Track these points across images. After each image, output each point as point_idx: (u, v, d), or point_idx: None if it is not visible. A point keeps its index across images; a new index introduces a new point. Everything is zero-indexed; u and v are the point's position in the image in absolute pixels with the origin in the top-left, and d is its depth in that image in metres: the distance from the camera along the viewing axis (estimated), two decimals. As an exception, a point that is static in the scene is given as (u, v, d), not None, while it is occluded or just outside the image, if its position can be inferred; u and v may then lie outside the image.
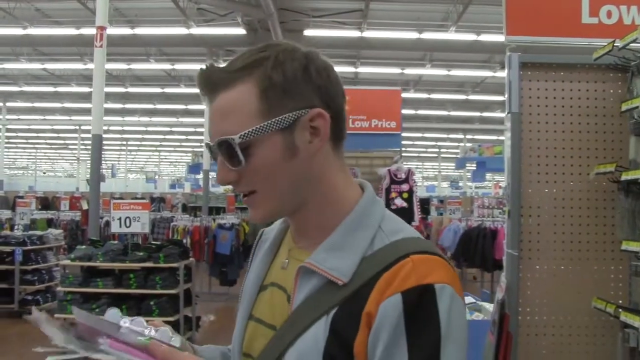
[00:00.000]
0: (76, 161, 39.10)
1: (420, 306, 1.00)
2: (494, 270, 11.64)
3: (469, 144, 23.54)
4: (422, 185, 43.39)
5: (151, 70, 22.47)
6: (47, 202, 21.79)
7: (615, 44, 2.91)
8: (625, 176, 2.86)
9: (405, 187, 8.35)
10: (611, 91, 3.24)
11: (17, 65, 21.41)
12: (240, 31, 16.03)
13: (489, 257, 11.39)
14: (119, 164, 44.60)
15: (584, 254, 3.18)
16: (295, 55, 1.11)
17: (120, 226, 8.21)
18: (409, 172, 8.47)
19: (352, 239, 1.11)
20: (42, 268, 10.73)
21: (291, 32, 16.26)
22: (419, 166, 50.47)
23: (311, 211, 1.15)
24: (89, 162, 9.72)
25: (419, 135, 35.75)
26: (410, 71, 21.30)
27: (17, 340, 7.97)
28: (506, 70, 3.27)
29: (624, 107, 2.94)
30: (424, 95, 25.28)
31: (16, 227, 13.02)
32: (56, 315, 7.76)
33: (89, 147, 9.70)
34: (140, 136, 40.71)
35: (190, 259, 8.57)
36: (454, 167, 31.57)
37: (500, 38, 3.47)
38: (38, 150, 49.88)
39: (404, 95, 16.40)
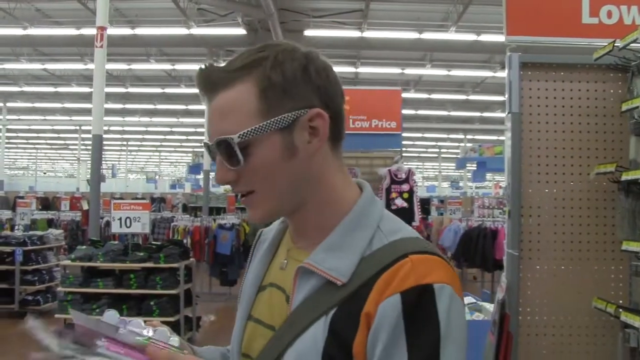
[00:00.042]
0: (76, 161, 39.09)
1: (419, 306, 1.00)
2: (495, 270, 11.64)
3: (469, 144, 23.54)
4: (423, 186, 43.39)
5: (151, 70, 22.48)
6: (47, 203, 21.80)
7: (615, 44, 2.91)
8: (625, 176, 2.86)
9: (405, 187, 8.35)
10: (611, 91, 3.24)
11: (17, 65, 21.42)
12: (241, 31, 16.04)
13: (489, 257, 11.39)
14: (119, 164, 44.58)
15: (584, 254, 3.18)
16: (295, 55, 1.11)
17: (121, 226, 8.22)
18: (409, 172, 8.47)
19: (350, 239, 1.11)
20: (43, 268, 10.72)
21: (291, 32, 16.27)
22: (419, 166, 50.47)
23: (310, 211, 1.15)
24: (90, 162, 9.72)
25: (419, 135, 35.76)
26: (411, 71, 21.31)
27: (17, 341, 7.96)
28: (506, 71, 3.27)
29: (624, 107, 2.94)
30: (424, 96, 25.28)
31: (16, 227, 13.03)
32: (56, 316, 7.78)
33: (90, 147, 9.71)
34: (140, 136, 40.72)
35: (191, 259, 8.57)
36: (454, 167, 31.56)
37: (500, 38, 3.47)
38: (38, 151, 49.89)
39: (404, 95, 16.39)
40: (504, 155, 3.44)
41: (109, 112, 20.02)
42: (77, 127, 33.15)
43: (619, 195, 3.05)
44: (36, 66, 21.78)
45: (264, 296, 1.22)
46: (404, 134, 10.19)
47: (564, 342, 3.16)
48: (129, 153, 47.33)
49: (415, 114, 28.18)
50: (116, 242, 9.26)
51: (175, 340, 1.19)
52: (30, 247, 10.42)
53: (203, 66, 1.13)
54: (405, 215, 8.18)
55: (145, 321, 1.21)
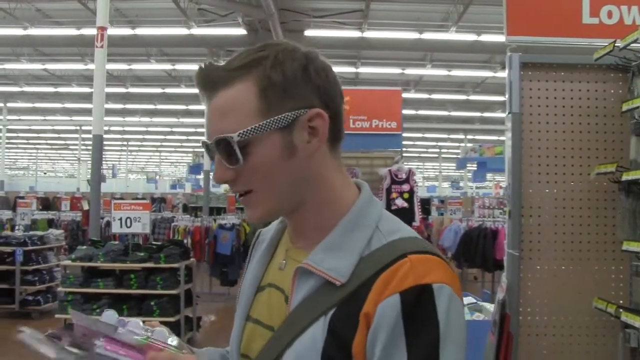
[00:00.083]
0: (77, 161, 39.11)
1: (418, 306, 1.00)
2: (495, 271, 11.64)
3: (469, 144, 23.55)
4: (423, 186, 43.39)
5: (152, 70, 22.49)
6: (47, 203, 21.81)
7: (616, 44, 2.90)
8: (626, 176, 2.86)
9: (406, 187, 8.35)
10: (612, 91, 3.24)
11: (17, 65, 21.42)
12: (241, 31, 16.04)
13: (489, 257, 11.38)
14: (119, 164, 44.58)
15: (584, 254, 3.18)
16: (295, 55, 1.11)
17: (121, 226, 8.22)
18: (410, 173, 8.47)
19: (349, 239, 1.11)
20: (43, 268, 10.72)
21: (292, 32, 16.27)
22: (419, 166, 50.48)
23: (309, 211, 1.15)
24: (90, 162, 9.73)
25: (420, 135, 35.76)
26: (411, 71, 21.31)
27: (17, 341, 7.96)
28: (507, 71, 3.27)
29: (625, 107, 2.94)
30: (425, 96, 25.29)
31: (17, 227, 13.04)
32: (57, 316, 7.79)
33: (90, 147, 9.72)
34: (141, 136, 40.73)
35: (191, 259, 8.57)
36: (454, 168, 31.56)
37: (500, 38, 3.47)
38: (39, 151, 49.90)
39: (405, 95, 16.40)
40: (505, 156, 3.44)
41: (109, 112, 20.03)
42: (78, 127, 33.17)
43: (619, 195, 3.05)
44: (36, 66, 21.79)
45: (263, 297, 1.22)
46: (405, 134, 10.19)
47: (565, 342, 3.16)
48: (129, 153, 47.34)
49: (416, 114, 28.19)
50: (116, 242, 9.26)
51: (174, 340, 1.19)
52: (30, 247, 10.42)
53: (202, 65, 1.13)
54: (406, 215, 8.18)
55: (144, 321, 1.21)
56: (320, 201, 1.15)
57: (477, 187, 39.80)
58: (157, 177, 44.61)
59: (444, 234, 13.42)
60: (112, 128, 32.84)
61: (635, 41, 2.82)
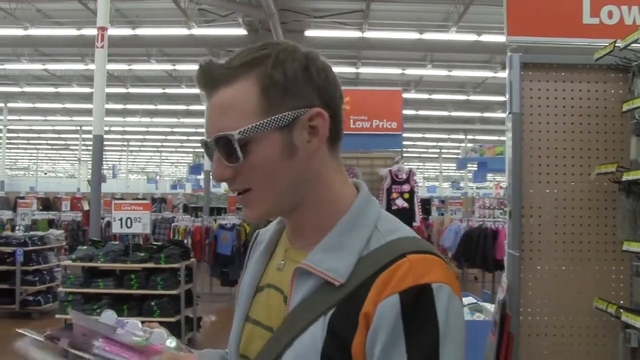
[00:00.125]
0: (77, 162, 39.14)
1: (417, 306, 1.00)
2: (495, 271, 11.64)
3: (470, 145, 23.55)
4: (423, 186, 43.35)
5: (152, 70, 22.48)
6: (48, 203, 21.82)
7: (616, 45, 2.90)
8: (626, 176, 2.86)
9: (406, 187, 8.36)
10: (612, 91, 3.24)
11: (18, 65, 21.42)
12: (241, 32, 16.04)
13: (490, 257, 11.39)
14: (120, 164, 44.55)
15: (585, 255, 3.18)
16: (296, 55, 1.11)
17: (122, 227, 8.22)
18: (410, 173, 8.48)
19: (348, 239, 1.11)
20: (43, 269, 10.73)
21: (292, 32, 16.27)
22: (420, 167, 50.46)
23: (308, 211, 1.15)
24: (90, 162, 9.73)
25: (420, 135, 35.74)
26: (411, 71, 21.30)
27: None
28: (507, 71, 3.27)
29: (625, 107, 2.93)
30: (425, 96, 25.28)
31: (17, 227, 13.05)
32: (57, 316, 7.79)
33: (90, 147, 9.71)
34: (141, 137, 40.73)
35: (192, 259, 8.57)
36: (455, 168, 31.55)
37: (501, 38, 3.47)
38: (39, 151, 49.90)
39: (405, 95, 16.40)
40: (505, 156, 3.44)
41: (109, 112, 20.02)
42: (78, 128, 33.19)
43: (619, 195, 3.05)
44: (37, 66, 21.79)
45: (262, 297, 1.22)
46: (405, 135, 10.19)
47: (565, 342, 3.16)
48: (129, 153, 47.33)
49: (416, 114, 28.18)
50: (117, 242, 9.26)
51: (172, 342, 1.19)
52: (31, 248, 10.42)
53: (203, 63, 1.13)
54: (406, 215, 8.18)
55: (143, 322, 1.21)
56: (319, 201, 1.15)
57: (477, 188, 39.78)
58: (158, 178, 44.62)
59: (444, 234, 13.43)
60: (113, 128, 32.84)
61: (635, 41, 2.82)
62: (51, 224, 15.33)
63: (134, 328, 1.17)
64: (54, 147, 47.14)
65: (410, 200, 8.35)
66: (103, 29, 9.47)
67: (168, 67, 21.83)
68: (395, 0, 15.16)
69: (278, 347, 1.09)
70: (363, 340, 1.01)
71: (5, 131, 31.88)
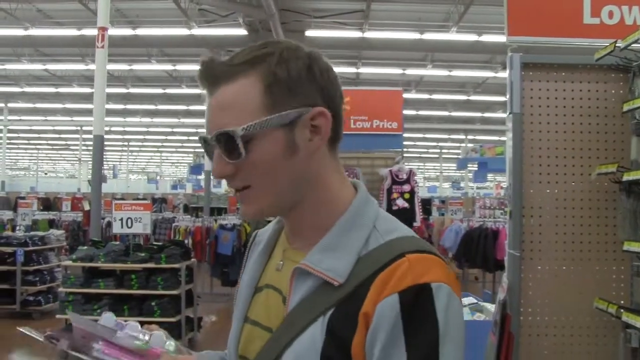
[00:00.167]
0: (78, 162, 39.14)
1: (417, 306, 1.00)
2: (496, 271, 11.64)
3: (470, 145, 23.55)
4: (424, 186, 43.30)
5: (152, 71, 22.49)
6: (48, 203, 21.83)
7: (616, 45, 2.90)
8: (626, 177, 2.85)
9: (406, 187, 8.36)
10: (613, 92, 3.24)
11: (18, 66, 21.43)
12: (242, 32, 16.04)
13: (490, 257, 11.39)
14: (120, 164, 44.55)
15: (585, 255, 3.18)
16: (299, 53, 1.12)
17: (122, 227, 8.23)
18: (411, 173, 8.48)
19: (346, 239, 1.11)
20: (44, 269, 10.74)
21: (292, 32, 16.27)
22: (420, 167, 50.44)
23: (306, 210, 1.15)
24: (91, 162, 9.73)
25: (421, 135, 35.73)
26: (412, 72, 21.30)
27: (18, 341, 7.97)
28: (508, 71, 3.27)
29: (626, 107, 2.93)
30: (426, 96, 25.28)
31: (18, 227, 13.06)
32: (58, 316, 7.79)
33: (91, 147, 9.71)
34: (141, 137, 40.73)
35: (192, 259, 8.57)
36: (455, 168, 31.53)
37: (501, 38, 3.47)
38: (39, 151, 49.89)
39: (406, 95, 16.38)
40: (505, 156, 3.44)
41: (110, 112, 20.03)
42: (78, 128, 33.19)
43: (620, 195, 3.05)
44: (37, 67, 21.80)
45: (261, 298, 1.22)
46: (405, 135, 10.19)
47: (565, 342, 3.16)
48: (130, 154, 47.33)
49: (417, 114, 28.17)
50: (117, 242, 9.26)
51: (171, 344, 1.19)
52: (31, 248, 10.43)
53: (205, 59, 1.13)
54: (407, 215, 8.18)
55: (142, 324, 1.21)
56: (318, 200, 1.15)
57: (477, 188, 39.76)
58: (158, 178, 44.61)
59: (444, 234, 13.43)
60: (113, 128, 32.85)
61: (636, 41, 2.82)
62: (52, 224, 15.34)
63: (133, 330, 1.18)
64: (54, 147, 47.14)
65: (410, 201, 8.34)
66: (103, 29, 9.47)
67: (168, 67, 21.83)
68: (395, 0, 15.16)
69: (277, 347, 1.09)
70: (362, 340, 1.01)
71: (6, 131, 31.88)
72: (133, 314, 7.46)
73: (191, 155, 31.63)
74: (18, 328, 1.21)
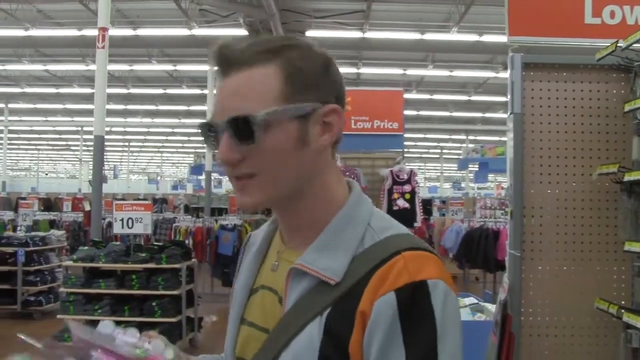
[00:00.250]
0: (78, 162, 39.14)
1: (414, 304, 1.00)
2: (496, 271, 11.63)
3: (471, 145, 23.58)
4: (425, 186, 43.26)
5: (153, 71, 22.51)
6: (49, 204, 21.85)
7: (618, 45, 2.90)
8: (628, 177, 2.85)
9: (407, 187, 8.36)
10: (614, 92, 3.23)
11: (19, 66, 21.46)
12: (242, 32, 16.04)
13: (491, 257, 11.39)
14: (121, 165, 44.61)
15: (586, 255, 3.18)
16: (317, 51, 1.14)
17: (123, 227, 8.23)
18: (411, 173, 8.48)
19: (342, 237, 1.11)
20: (45, 269, 10.75)
21: (293, 32, 16.27)
22: (421, 167, 50.45)
23: (304, 207, 1.15)
24: (91, 163, 9.72)
25: (421, 136, 35.76)
26: (413, 72, 21.31)
27: (19, 341, 7.97)
28: (509, 71, 3.27)
29: (627, 107, 2.93)
30: (426, 96, 25.29)
31: (19, 228, 13.06)
32: (59, 316, 7.79)
33: (91, 148, 9.70)
34: (142, 137, 40.76)
35: (193, 259, 8.57)
36: (456, 168, 31.53)
37: (502, 38, 3.46)
38: (40, 152, 49.91)
39: (406, 96, 16.41)
40: (506, 156, 3.43)
41: (110, 113, 20.05)
42: (79, 128, 33.20)
43: (621, 195, 3.04)
44: (38, 67, 21.83)
45: (256, 299, 1.22)
46: (406, 135, 10.20)
47: (566, 342, 3.15)
48: (130, 154, 47.37)
49: (417, 114, 28.19)
50: (118, 242, 9.26)
51: (170, 352, 1.19)
52: (32, 248, 10.45)
53: (223, 42, 1.12)
54: (407, 216, 8.19)
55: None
56: (316, 198, 1.14)
57: (478, 188, 39.73)
58: (159, 178, 44.66)
59: (445, 234, 13.43)
60: (114, 129, 32.87)
61: (637, 41, 2.81)
62: (52, 224, 15.34)
63: (131, 336, 1.17)
64: (55, 147, 47.19)
65: (411, 201, 8.35)
66: (104, 30, 9.46)
67: (169, 67, 21.85)
68: (396, 1, 15.16)
69: (274, 348, 1.09)
70: (360, 339, 1.01)
71: (7, 132, 31.89)
72: (134, 314, 7.47)
73: (192, 155, 31.66)
74: (18, 335, 1.20)
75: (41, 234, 11.48)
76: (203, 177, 22.33)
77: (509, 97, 3.26)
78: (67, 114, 31.89)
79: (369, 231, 1.11)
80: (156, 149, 47.54)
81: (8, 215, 15.73)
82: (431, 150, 43.93)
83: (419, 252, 1.06)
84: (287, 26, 15.99)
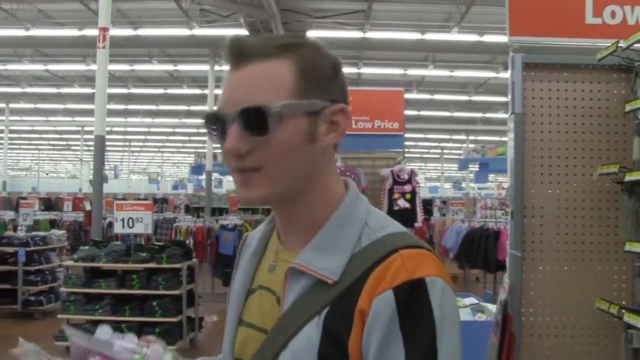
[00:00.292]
0: (79, 162, 39.15)
1: (412, 301, 1.00)
2: (497, 271, 11.62)
3: (471, 145, 23.55)
4: (425, 186, 43.26)
5: (154, 71, 22.50)
6: (50, 203, 21.87)
7: (619, 45, 2.90)
8: (628, 177, 2.85)
9: (408, 188, 8.36)
10: (615, 92, 3.23)
11: (19, 66, 21.46)
12: (243, 32, 16.03)
13: (491, 258, 11.38)
14: (121, 165, 44.62)
15: (587, 255, 3.18)
16: (328, 51, 1.15)
17: (123, 227, 8.24)
18: (412, 173, 8.48)
19: (339, 236, 1.11)
20: (45, 269, 10.75)
21: (294, 33, 16.27)
22: (421, 167, 50.46)
23: (304, 205, 1.14)
24: (92, 163, 9.72)
25: (422, 136, 35.75)
26: (413, 72, 21.31)
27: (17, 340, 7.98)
28: (509, 71, 3.27)
29: (628, 107, 2.93)
30: (427, 96, 25.29)
31: (19, 228, 13.06)
32: (59, 316, 7.79)
33: (92, 148, 9.70)
34: (143, 137, 40.77)
35: (193, 259, 8.57)
36: (456, 168, 31.52)
37: (503, 39, 3.46)
38: (41, 152, 49.95)
39: (407, 96, 16.41)
40: (507, 156, 3.43)
41: (111, 113, 20.03)
42: (80, 128, 33.20)
43: (622, 196, 3.05)
44: (38, 67, 21.83)
45: (254, 299, 1.22)
46: (407, 135, 10.20)
47: (567, 342, 3.15)
48: (131, 154, 47.39)
49: (418, 114, 28.18)
50: (119, 242, 9.25)
51: (168, 357, 1.19)
52: (33, 248, 10.45)
53: (235, 36, 1.13)
54: (408, 216, 8.18)
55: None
56: (316, 196, 1.14)
57: (479, 188, 39.71)
58: (159, 178, 44.69)
59: (446, 234, 13.42)
60: (114, 129, 32.86)
61: (638, 41, 2.81)
62: (53, 224, 15.35)
63: (130, 342, 1.17)
64: (55, 147, 47.21)
65: (412, 201, 8.34)
66: (104, 30, 9.46)
67: (170, 67, 21.85)
68: (396, 1, 15.16)
69: (273, 348, 1.09)
70: (359, 337, 1.01)
71: (7, 132, 31.91)
72: (134, 314, 7.47)
73: (192, 155, 31.67)
74: (19, 338, 1.20)
75: (42, 233, 11.48)
76: (204, 177, 22.34)
77: (509, 97, 3.26)
78: (67, 113, 31.89)
79: (365, 230, 1.11)
80: (157, 149, 47.56)
81: (9, 215, 15.75)
82: (432, 151, 43.93)
83: (416, 250, 1.06)
84: (287, 26, 15.99)
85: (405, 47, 17.63)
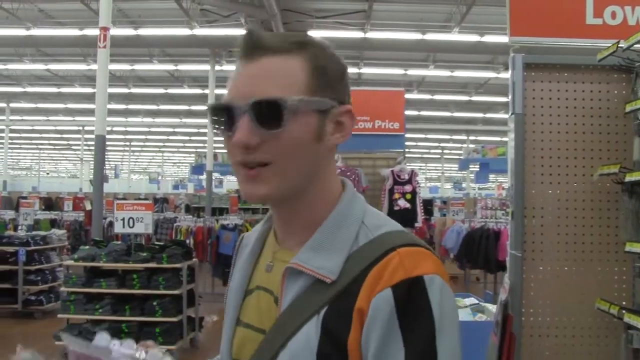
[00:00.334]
0: (79, 162, 39.17)
1: (411, 300, 1.00)
2: (497, 272, 11.62)
3: (472, 145, 23.55)
4: (425, 187, 43.28)
5: (154, 71, 22.51)
6: (50, 203, 21.87)
7: (619, 45, 2.90)
8: (629, 177, 2.85)
9: (408, 188, 8.35)
10: (615, 92, 3.23)
11: (20, 66, 21.46)
12: (243, 32, 16.00)
13: (492, 258, 11.38)
14: (122, 164, 44.64)
15: (587, 255, 3.18)
16: (334, 52, 1.16)
17: (124, 227, 8.24)
18: (412, 173, 8.48)
19: (336, 236, 1.11)
20: (46, 268, 10.75)
21: (298, 32, 16.26)
22: (422, 167, 50.44)
23: (304, 204, 1.14)
24: (92, 162, 9.72)
25: (422, 136, 35.75)
26: (414, 72, 21.31)
27: (20, 340, 7.97)
28: (510, 71, 3.27)
29: (628, 108, 2.93)
30: (427, 96, 25.29)
31: (20, 227, 13.07)
32: (59, 316, 7.80)
33: (92, 147, 9.71)
34: (143, 137, 40.78)
35: (194, 259, 8.56)
36: (457, 168, 31.51)
37: (503, 39, 3.46)
38: (41, 151, 49.98)
39: (407, 96, 16.41)
40: (507, 156, 3.43)
41: (111, 112, 20.02)
42: (80, 128, 33.23)
43: (622, 196, 3.05)
44: (39, 67, 21.83)
45: (252, 300, 1.21)
46: (407, 135, 10.19)
47: (567, 343, 3.15)
48: (131, 153, 47.40)
49: (418, 114, 28.18)
50: (119, 242, 9.25)
51: None
52: (33, 247, 10.45)
53: (250, 29, 1.14)
54: (408, 216, 8.18)
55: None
56: (316, 195, 1.14)
57: (479, 188, 39.71)
58: (160, 178, 44.66)
59: (446, 234, 13.42)
60: (115, 128, 32.91)
61: (638, 42, 2.81)
62: (53, 223, 15.35)
63: (128, 347, 1.17)
64: (56, 147, 47.23)
65: (412, 201, 8.34)
66: (105, 29, 9.46)
67: (170, 67, 21.85)
68: (397, 1, 15.16)
69: (272, 349, 1.08)
70: (358, 337, 1.01)
71: (8, 131, 31.93)
72: (134, 314, 7.47)
73: (193, 155, 31.65)
74: (18, 345, 1.21)
75: (42, 233, 11.49)
76: (204, 176, 22.33)
77: (510, 97, 3.26)
78: (68, 113, 31.90)
79: (363, 229, 1.11)
80: (157, 149, 47.56)
81: (9, 214, 15.76)
82: (432, 151, 43.92)
83: (414, 248, 1.06)
84: (288, 26, 15.99)
85: (405, 47, 17.63)
